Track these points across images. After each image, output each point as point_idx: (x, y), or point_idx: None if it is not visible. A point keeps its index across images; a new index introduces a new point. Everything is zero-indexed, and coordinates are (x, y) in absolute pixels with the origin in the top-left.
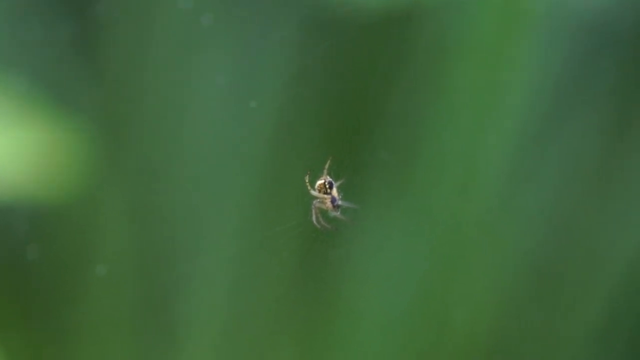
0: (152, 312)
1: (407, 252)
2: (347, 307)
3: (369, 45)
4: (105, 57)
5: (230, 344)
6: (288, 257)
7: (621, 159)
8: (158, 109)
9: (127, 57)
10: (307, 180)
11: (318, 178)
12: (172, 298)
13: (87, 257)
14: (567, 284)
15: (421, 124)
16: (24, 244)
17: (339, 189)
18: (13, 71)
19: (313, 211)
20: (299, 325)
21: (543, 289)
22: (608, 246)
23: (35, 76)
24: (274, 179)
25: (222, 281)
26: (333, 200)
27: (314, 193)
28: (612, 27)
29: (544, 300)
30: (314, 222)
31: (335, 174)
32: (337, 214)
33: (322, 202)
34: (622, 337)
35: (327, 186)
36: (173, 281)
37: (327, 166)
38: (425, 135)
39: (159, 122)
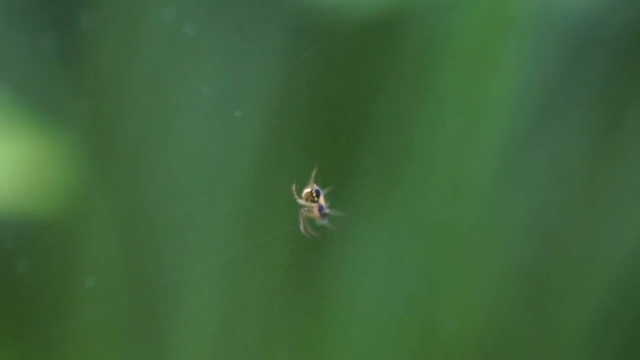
0: (141, 322)
1: (396, 257)
2: (336, 313)
3: (354, 52)
4: (91, 68)
5: (220, 353)
6: (277, 266)
7: (609, 162)
8: (144, 120)
9: (112, 68)
10: (294, 189)
11: (305, 186)
12: (161, 308)
13: (76, 268)
14: (556, 288)
15: (408, 130)
16: (11, 257)
17: (326, 197)
18: None
19: (301, 220)
20: (290, 333)
21: (532, 294)
22: (597, 250)
23: (19, 88)
24: (261, 188)
25: (212, 290)
26: (320, 208)
27: (301, 202)
28: (599, 30)
29: (533, 304)
30: (302, 230)
31: (322, 182)
32: (325, 222)
33: (310, 210)
34: (611, 342)
35: (314, 194)
36: (162, 291)
37: (313, 174)
38: (412, 141)
39: (146, 132)
